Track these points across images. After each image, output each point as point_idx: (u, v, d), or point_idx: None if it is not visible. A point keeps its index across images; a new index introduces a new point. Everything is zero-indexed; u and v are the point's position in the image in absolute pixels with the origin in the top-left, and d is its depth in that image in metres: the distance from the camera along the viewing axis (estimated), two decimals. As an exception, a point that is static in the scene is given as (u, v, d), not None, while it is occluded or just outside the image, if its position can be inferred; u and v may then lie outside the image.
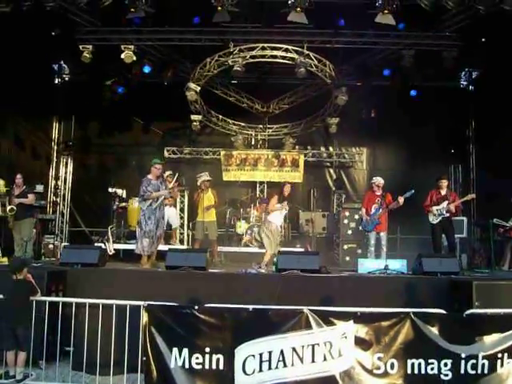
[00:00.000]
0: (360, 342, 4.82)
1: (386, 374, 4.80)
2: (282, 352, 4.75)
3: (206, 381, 4.77)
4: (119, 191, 12.47)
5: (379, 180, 9.71)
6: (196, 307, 4.78)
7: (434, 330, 4.83)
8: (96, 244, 11.11)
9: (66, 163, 15.43)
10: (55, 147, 15.36)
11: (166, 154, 14.80)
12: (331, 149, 15.33)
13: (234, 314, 4.85)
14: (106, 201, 12.63)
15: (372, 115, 14.37)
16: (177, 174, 10.66)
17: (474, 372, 4.81)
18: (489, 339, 4.85)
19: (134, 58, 12.08)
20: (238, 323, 4.83)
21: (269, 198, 10.73)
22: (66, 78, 15.26)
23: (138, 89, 13.70)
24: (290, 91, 14.85)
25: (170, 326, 4.80)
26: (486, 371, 4.82)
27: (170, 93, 13.42)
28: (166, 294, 6.84)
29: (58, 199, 15.22)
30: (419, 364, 4.82)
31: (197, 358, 4.77)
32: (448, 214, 9.53)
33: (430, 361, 4.81)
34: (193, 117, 14.17)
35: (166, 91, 13.52)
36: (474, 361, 4.81)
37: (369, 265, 8.60)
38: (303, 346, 4.77)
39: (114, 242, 11.36)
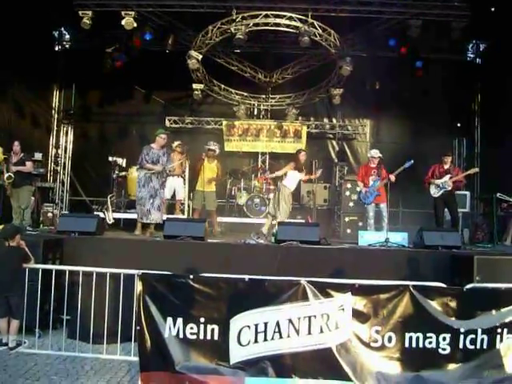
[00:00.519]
0: (357, 315, 4.72)
1: (383, 347, 4.71)
2: (277, 323, 4.66)
3: (200, 351, 4.69)
4: (119, 160, 12.39)
5: (376, 152, 9.65)
6: (191, 276, 4.68)
7: (433, 304, 4.72)
8: (95, 213, 11.08)
9: (67, 132, 15.46)
10: (56, 116, 15.31)
11: (167, 123, 14.72)
12: (334, 120, 15.20)
13: (230, 284, 4.74)
14: (107, 170, 12.60)
15: (376, 87, 14.25)
16: (186, 146, 10.61)
17: (472, 347, 4.71)
18: (488, 314, 4.75)
19: (135, 25, 11.89)
20: (233, 293, 4.73)
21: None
22: (67, 46, 15.20)
23: (140, 57, 13.54)
24: (293, 61, 14.61)
25: (165, 296, 4.70)
26: (485, 346, 4.72)
27: (171, 61, 13.29)
28: (164, 264, 6.79)
29: (59, 168, 15.20)
30: (417, 338, 4.71)
31: (191, 327, 4.68)
32: (450, 188, 9.41)
33: (428, 335, 4.71)
34: (194, 86, 13.96)
35: (168, 60, 13.39)
36: (473, 335, 4.71)
37: (369, 237, 8.53)
38: (299, 318, 4.67)
39: (113, 211, 11.33)
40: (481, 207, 12.12)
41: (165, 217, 9.24)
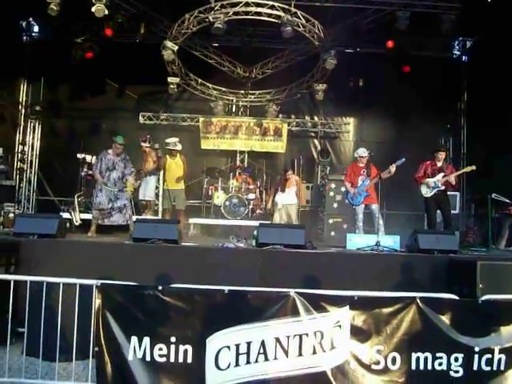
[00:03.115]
0: (356, 332, 4.04)
1: (386, 370, 4.03)
2: (263, 343, 3.95)
3: (171, 376, 3.95)
4: (88, 157, 11.66)
5: (364, 151, 9.04)
6: (160, 288, 3.94)
7: (444, 319, 4.06)
8: (62, 213, 10.35)
9: (34, 128, 14.57)
10: (23, 110, 14.45)
11: (141, 119, 14.07)
12: (316, 118, 14.61)
13: (206, 297, 4.01)
14: (77, 168, 11.95)
15: (360, 84, 13.88)
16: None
17: (489, 368, 4.07)
18: (506, 330, 4.10)
19: (106, 12, 11.05)
20: (210, 308, 3.99)
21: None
22: (35, 37, 14.32)
23: (112, 49, 12.84)
24: (274, 56, 13.99)
25: (129, 311, 3.95)
26: (502, 367, 4.08)
27: (146, 54, 12.51)
28: (132, 271, 6.22)
29: (25, 166, 14.33)
30: (425, 358, 4.05)
31: (160, 348, 3.94)
32: (443, 188, 8.80)
33: (438, 355, 4.05)
34: (170, 79, 13.21)
35: (142, 52, 12.65)
36: (489, 355, 4.07)
37: (358, 240, 7.93)
38: (289, 337, 3.97)
39: (81, 211, 10.61)
40: (472, 208, 11.58)
41: (134, 218, 8.54)
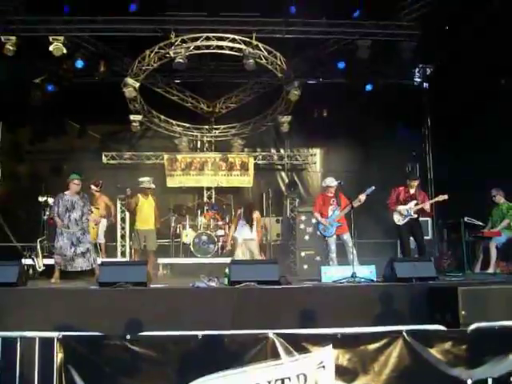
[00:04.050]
0: (342, 372, 3.77)
1: (376, 411, 3.77)
2: (243, 390, 3.65)
3: (144, 434, 3.61)
4: (50, 200, 11.16)
5: (332, 181, 8.82)
6: (128, 337, 3.61)
7: (433, 352, 3.84)
8: (24, 260, 9.90)
9: (-6, 171, 13.97)
10: (-20, 154, 13.87)
11: (104, 159, 13.74)
12: (282, 151, 14.50)
13: (179, 344, 3.69)
14: (40, 212, 11.39)
15: (324, 114, 13.87)
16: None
17: (482, 402, 3.84)
18: (499, 359, 3.89)
19: (65, 51, 10.99)
20: (184, 355, 3.67)
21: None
22: (-9, 77, 13.86)
23: (72, 88, 12.68)
24: (237, 90, 13.96)
25: (94, 364, 3.60)
26: (497, 399, 3.86)
27: (107, 92, 12.36)
28: (100, 318, 5.78)
29: (-16, 211, 13.72)
30: (416, 396, 3.81)
31: (131, 404, 3.61)
32: (416, 216, 8.67)
33: (429, 391, 3.81)
34: (132, 117, 12.97)
35: (104, 90, 12.46)
36: (483, 387, 3.85)
37: (333, 273, 7.59)
38: (270, 382, 3.67)
39: (44, 256, 10.15)
40: (444, 233, 11.47)
41: (99, 261, 8.16)
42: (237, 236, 9.18)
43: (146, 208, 9.63)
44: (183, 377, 3.63)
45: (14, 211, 13.43)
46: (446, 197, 8.52)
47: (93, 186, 10.85)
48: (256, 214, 9.47)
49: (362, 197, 8.33)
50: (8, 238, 13.16)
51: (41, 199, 11.25)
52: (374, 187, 8.26)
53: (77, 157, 13.51)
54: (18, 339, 3.80)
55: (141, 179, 9.93)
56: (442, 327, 4.02)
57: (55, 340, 3.60)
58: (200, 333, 3.67)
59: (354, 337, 3.85)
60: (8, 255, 12.24)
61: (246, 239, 9.19)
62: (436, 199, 8.80)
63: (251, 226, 9.22)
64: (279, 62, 11.52)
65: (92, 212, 8.86)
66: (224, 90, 14.03)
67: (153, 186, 9.90)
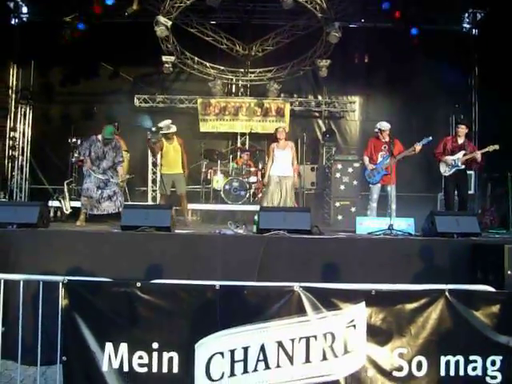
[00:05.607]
0: (374, 333, 3.37)
1: (410, 377, 3.37)
2: (262, 348, 3.29)
3: (154, 389, 3.32)
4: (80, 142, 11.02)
5: (387, 124, 8.31)
6: (138, 284, 3.28)
7: (479, 315, 3.40)
8: (51, 201, 9.81)
9: (25, 114, 13.92)
10: (13, 96, 13.80)
11: (136, 102, 13.51)
12: (320, 97, 13.95)
13: (195, 294, 3.34)
14: (69, 155, 11.55)
15: (365, 60, 13.21)
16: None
17: (532, 373, 3.42)
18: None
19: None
20: (199, 307, 3.32)
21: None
22: (24, 18, 13.70)
23: (104, 28, 12.28)
24: (274, 32, 13.31)
25: (102, 312, 3.29)
26: (549, 372, 3.43)
27: (140, 32, 12.01)
28: (119, 263, 5.63)
29: (16, 153, 13.71)
30: (457, 362, 3.39)
31: (140, 357, 3.28)
32: (463, 167, 8.14)
33: (472, 358, 3.39)
34: (164, 58, 12.58)
35: (136, 31, 12.11)
36: (533, 357, 3.42)
37: (369, 224, 7.24)
38: (294, 340, 3.31)
39: (72, 199, 10.05)
40: (488, 188, 10.87)
41: (124, 205, 8.00)
42: (272, 173, 8.75)
43: (172, 152, 9.30)
44: (197, 330, 3.30)
45: (46, 154, 13.38)
46: (496, 147, 7.98)
47: None
48: (291, 144, 9.03)
49: (418, 146, 7.95)
50: (40, 180, 13.20)
51: (70, 141, 11.19)
52: (430, 137, 7.89)
53: (109, 99, 13.42)
54: (21, 282, 3.52)
55: (159, 124, 9.48)
56: (490, 288, 3.56)
57: (60, 285, 3.29)
58: (218, 283, 3.31)
59: (389, 294, 3.44)
60: (39, 198, 12.39)
61: (281, 176, 8.73)
62: (487, 149, 8.24)
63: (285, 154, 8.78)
64: (319, 1, 10.83)
65: (123, 161, 8.60)
66: (261, 32, 13.46)
67: (173, 129, 9.42)
